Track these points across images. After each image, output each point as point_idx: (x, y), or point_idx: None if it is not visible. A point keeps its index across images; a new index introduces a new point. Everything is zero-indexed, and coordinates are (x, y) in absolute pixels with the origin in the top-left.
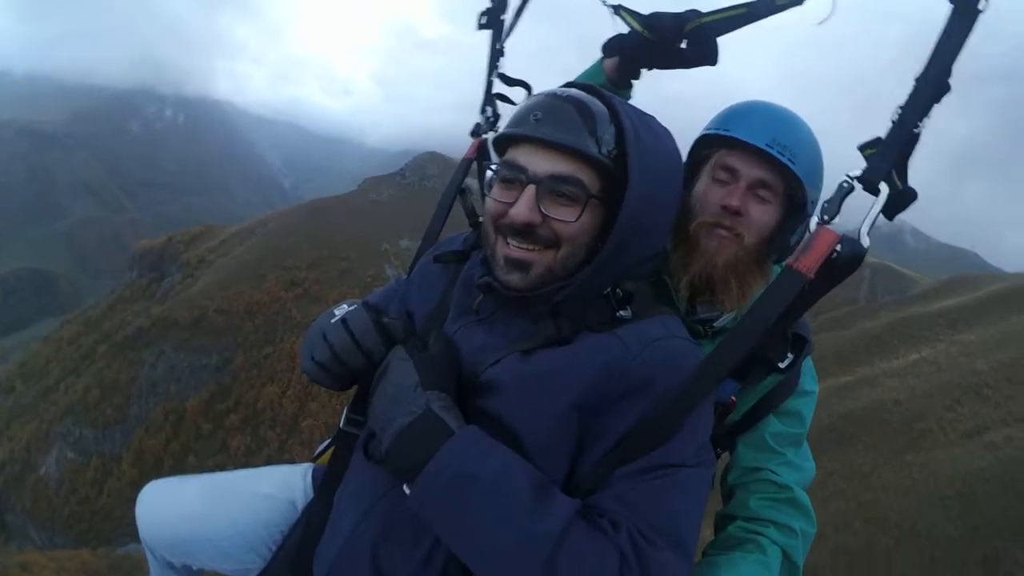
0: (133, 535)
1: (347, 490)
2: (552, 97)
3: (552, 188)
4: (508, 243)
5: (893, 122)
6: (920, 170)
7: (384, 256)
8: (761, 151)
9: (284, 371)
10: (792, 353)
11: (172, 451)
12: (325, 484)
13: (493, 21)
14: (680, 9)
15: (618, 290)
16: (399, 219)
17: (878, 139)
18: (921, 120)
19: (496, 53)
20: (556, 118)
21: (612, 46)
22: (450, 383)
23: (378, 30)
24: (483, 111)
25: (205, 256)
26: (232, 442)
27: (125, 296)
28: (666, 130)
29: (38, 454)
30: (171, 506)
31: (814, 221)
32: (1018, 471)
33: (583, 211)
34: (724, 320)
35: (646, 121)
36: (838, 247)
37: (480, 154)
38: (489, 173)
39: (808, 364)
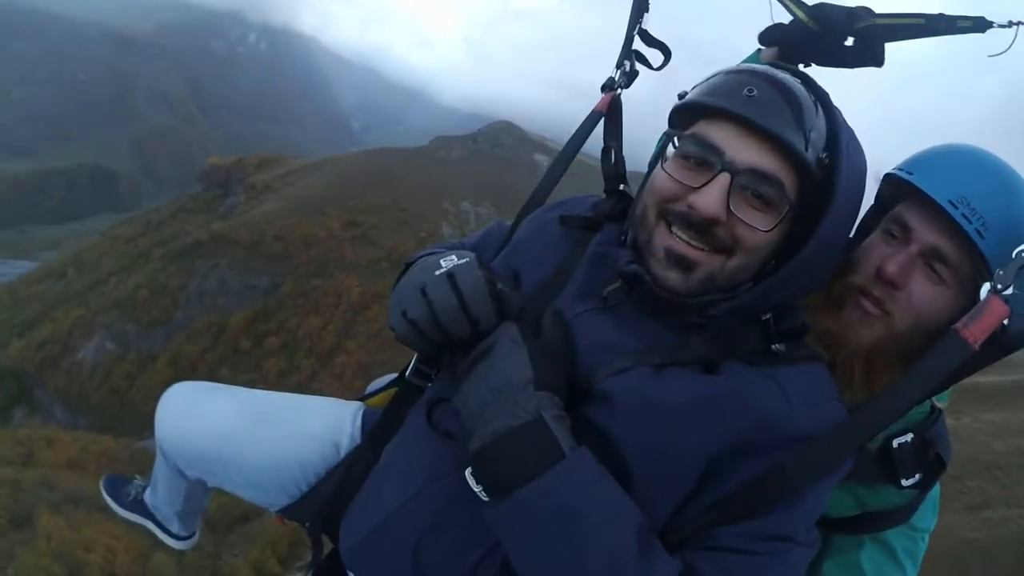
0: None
1: (398, 454)
2: (763, 77)
3: (749, 184)
4: (672, 232)
5: None
6: None
7: (443, 214)
8: (942, 211)
9: (329, 306)
10: (921, 473)
11: (208, 360)
12: (375, 434)
13: None
14: (849, 4)
15: (782, 319)
16: (464, 181)
17: None
18: None
19: (641, 5)
20: (769, 102)
21: (772, 35)
22: (563, 383)
23: None
24: (619, 65)
25: (271, 183)
26: (266, 363)
27: (188, 207)
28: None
29: (79, 339)
30: (202, 418)
31: (985, 288)
32: (1007, 548)
33: (780, 221)
34: None
35: (851, 130)
36: (1006, 321)
37: (612, 110)
38: (666, 142)
39: (934, 494)
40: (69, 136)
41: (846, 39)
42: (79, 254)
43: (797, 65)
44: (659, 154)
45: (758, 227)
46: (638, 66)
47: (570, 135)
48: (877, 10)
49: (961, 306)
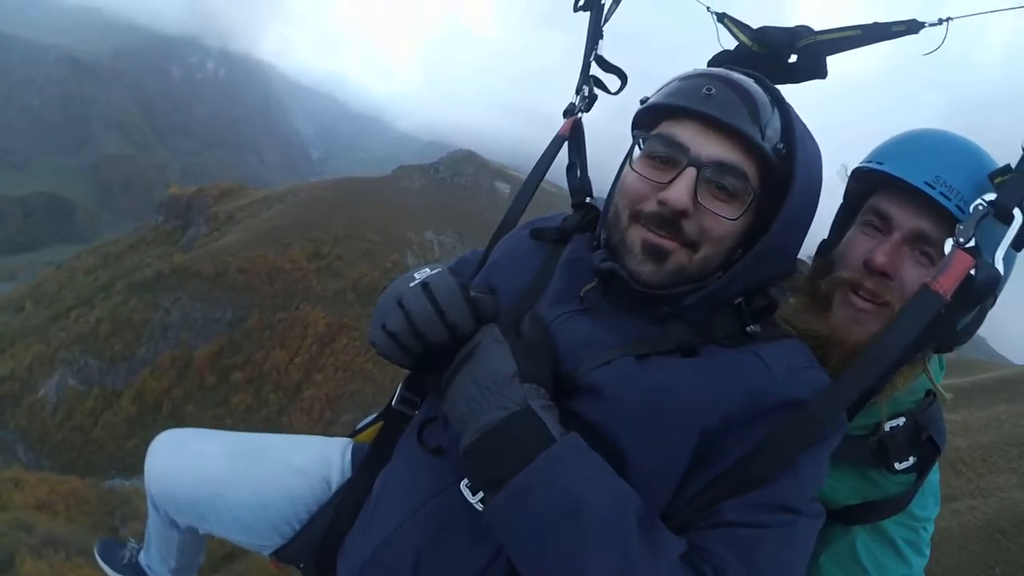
0: (121, 470)
1: (392, 479)
2: (720, 79)
3: (714, 177)
4: (647, 229)
5: (1023, 148)
6: None
7: (407, 244)
8: (920, 192)
9: (295, 338)
10: (914, 456)
11: (174, 396)
12: (366, 464)
13: (592, 2)
14: (783, 24)
15: (752, 301)
16: (427, 210)
17: (1008, 167)
18: None
19: (596, 33)
20: (727, 99)
21: (720, 61)
22: (549, 377)
23: (429, 19)
24: (579, 91)
25: (234, 214)
26: (234, 398)
27: (148, 238)
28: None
29: (40, 376)
30: (189, 461)
31: (949, 243)
32: (974, 534)
33: (746, 210)
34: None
35: (804, 124)
36: (973, 271)
37: (574, 134)
38: (634, 145)
39: (933, 483)
40: (25, 164)
41: (790, 58)
42: (37, 286)
43: None
44: (627, 156)
45: (725, 216)
46: (596, 90)
47: (532, 162)
48: (816, 27)
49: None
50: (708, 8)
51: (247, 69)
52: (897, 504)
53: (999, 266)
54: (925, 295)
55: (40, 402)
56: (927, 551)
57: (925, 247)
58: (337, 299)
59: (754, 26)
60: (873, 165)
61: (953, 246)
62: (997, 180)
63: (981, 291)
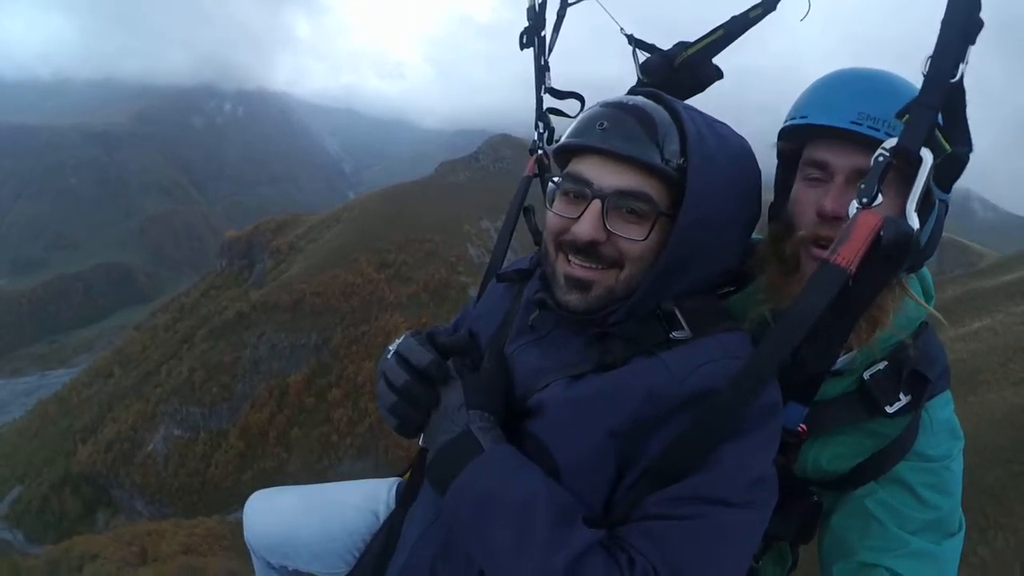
0: (242, 503)
1: (416, 506)
2: (615, 107)
3: (619, 204)
4: (570, 260)
5: (924, 75)
6: (983, 136)
7: (467, 236)
8: (849, 132)
9: (381, 347)
10: (906, 394)
11: (277, 424)
12: (404, 496)
13: (533, 39)
14: (684, 38)
15: (669, 309)
16: (477, 200)
17: (912, 102)
18: (956, 67)
19: (542, 69)
20: (622, 129)
21: (633, 91)
22: (496, 403)
23: (432, 15)
24: (536, 127)
25: (295, 243)
26: (335, 414)
27: (216, 283)
28: (740, 137)
29: (145, 432)
30: (272, 512)
31: (853, 205)
32: None
33: (652, 229)
34: (842, 361)
35: (715, 127)
36: (881, 231)
37: (540, 171)
38: (551, 186)
39: (943, 419)
40: (76, 242)
41: (674, 78)
42: (120, 351)
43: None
44: (527, 189)
45: (635, 238)
46: (560, 118)
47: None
48: (692, 39)
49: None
50: (622, 30)
51: (264, 103)
52: (902, 444)
53: (912, 218)
54: (825, 271)
55: (150, 456)
56: (956, 488)
57: None
58: (412, 303)
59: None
60: (797, 121)
61: (856, 208)
62: (904, 118)
63: (894, 252)
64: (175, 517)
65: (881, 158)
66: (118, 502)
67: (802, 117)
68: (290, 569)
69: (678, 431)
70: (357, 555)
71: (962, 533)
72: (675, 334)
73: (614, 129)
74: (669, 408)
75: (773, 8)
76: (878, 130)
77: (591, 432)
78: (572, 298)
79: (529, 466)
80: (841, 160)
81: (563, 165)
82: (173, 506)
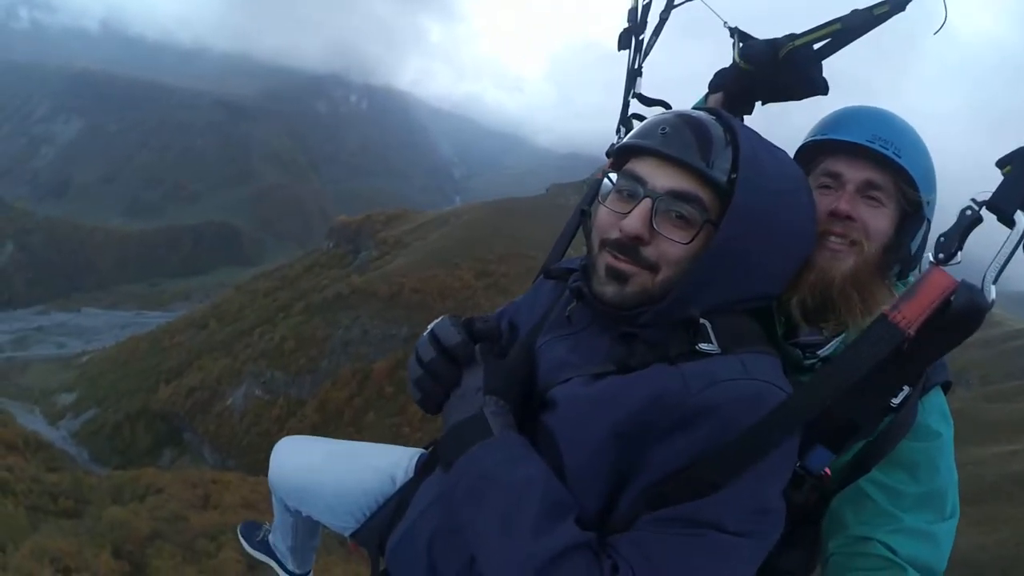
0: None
1: (430, 479)
2: (676, 116)
3: (669, 207)
4: (611, 254)
5: None
6: None
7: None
8: (864, 149)
9: None
10: (909, 387)
11: (355, 405)
12: (421, 470)
13: (629, 41)
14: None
15: (698, 320)
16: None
17: (1020, 151)
18: None
19: (633, 73)
20: (681, 137)
21: (716, 82)
22: (512, 391)
23: (560, 35)
24: (618, 131)
25: (401, 237)
26: (411, 407)
27: (320, 262)
28: (795, 165)
29: (227, 386)
30: (296, 456)
31: (927, 259)
32: None
33: (697, 234)
34: (831, 347)
35: (774, 152)
36: (952, 296)
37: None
38: (606, 183)
39: (935, 402)
40: (194, 197)
41: (777, 70)
42: (218, 306)
43: (746, 108)
44: (598, 190)
45: (679, 240)
46: None
47: None
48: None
49: (898, 218)
50: (725, 23)
51: (388, 100)
52: (904, 424)
53: (989, 291)
54: (882, 326)
55: (228, 409)
56: (947, 468)
57: (874, 192)
58: None
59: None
60: (818, 137)
61: (930, 263)
62: (1005, 170)
63: (961, 324)
64: (239, 471)
65: (969, 212)
66: (187, 444)
67: (823, 134)
68: (303, 514)
69: (684, 451)
70: (368, 515)
71: (955, 520)
72: (702, 346)
73: (674, 135)
74: (673, 420)
75: (901, 9)
76: (887, 148)
77: (595, 431)
78: (608, 289)
79: (533, 457)
80: (854, 172)
81: (618, 165)
82: (238, 460)
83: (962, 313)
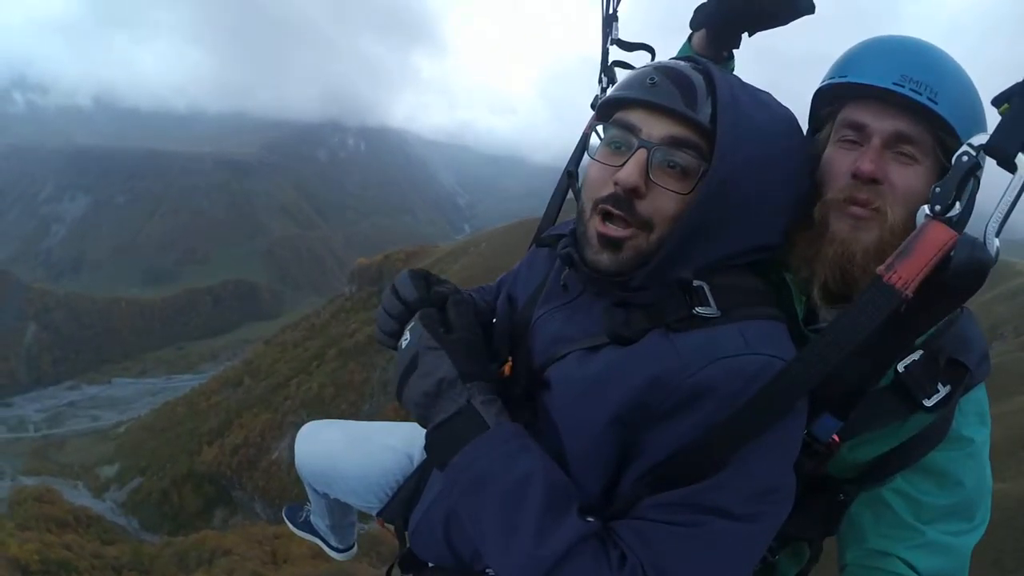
0: (362, 518)
1: None
2: (657, 67)
3: (666, 155)
4: (604, 221)
5: None
6: None
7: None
8: (891, 93)
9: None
10: (945, 385)
11: None
12: None
13: None
14: None
15: (691, 281)
16: None
17: (1017, 87)
18: None
19: (609, 19)
20: (666, 86)
21: (696, 18)
22: (487, 370)
23: (551, 54)
24: (599, 80)
25: None
26: None
27: (345, 307)
28: (786, 109)
29: (271, 440)
30: (317, 443)
31: (923, 212)
32: None
33: (698, 183)
34: None
35: (757, 95)
36: (952, 252)
37: None
38: (594, 138)
39: (974, 400)
40: (206, 258)
41: None
42: (250, 363)
43: (732, 41)
44: (586, 148)
45: (677, 191)
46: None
47: None
48: None
49: (935, 175)
50: None
51: (384, 138)
52: (933, 435)
53: (992, 243)
54: (877, 289)
55: (275, 463)
56: (979, 476)
57: (905, 146)
58: None
59: None
60: (836, 80)
61: (926, 216)
62: (1002, 109)
63: (962, 281)
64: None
65: (966, 158)
66: (237, 503)
67: (841, 76)
68: (331, 497)
69: (685, 432)
70: (390, 494)
71: (983, 528)
72: (699, 310)
73: (662, 85)
74: (672, 402)
75: None
76: (920, 93)
77: (594, 417)
78: (603, 258)
79: (530, 448)
80: (880, 122)
81: (604, 120)
82: None
83: (963, 270)
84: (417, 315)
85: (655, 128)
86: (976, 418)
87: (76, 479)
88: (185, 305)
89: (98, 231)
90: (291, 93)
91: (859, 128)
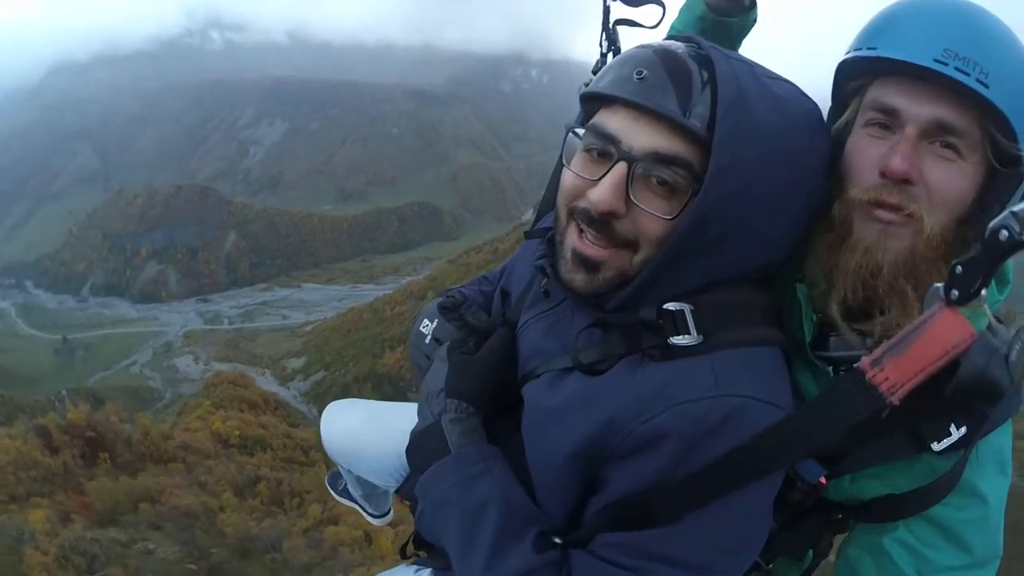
0: None
1: None
2: (653, 53)
3: (649, 171)
4: (581, 233)
5: None
6: None
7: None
8: (931, 72)
9: None
10: (959, 426)
11: None
12: None
13: None
14: None
15: (677, 306)
16: None
17: None
18: None
19: None
20: (658, 80)
21: None
22: (481, 390)
23: None
24: (599, 45)
25: None
26: None
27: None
28: (806, 100)
29: None
30: (338, 423)
31: (935, 291)
32: None
33: (684, 207)
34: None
35: (769, 85)
36: (961, 357)
37: None
38: (571, 138)
39: (995, 446)
40: (394, 181)
41: None
42: (434, 278)
43: None
44: (569, 152)
45: (661, 215)
46: (634, 29)
47: None
48: None
49: (983, 176)
50: None
51: (567, 71)
52: (943, 487)
53: (1018, 358)
54: (854, 384)
55: None
56: (991, 535)
57: (947, 137)
58: None
59: None
60: (864, 52)
61: (938, 301)
62: None
63: (963, 399)
64: None
65: (1005, 233)
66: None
67: (870, 48)
68: (354, 474)
69: (641, 477)
70: (404, 475)
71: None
72: (675, 340)
73: (653, 79)
74: (627, 447)
75: None
76: (968, 74)
77: (557, 450)
78: (577, 278)
79: (490, 472)
80: (917, 108)
81: (589, 114)
82: None
83: (969, 387)
84: (446, 345)
85: (639, 138)
86: (995, 467)
87: (264, 368)
88: (372, 223)
89: (294, 154)
90: (478, 26)
91: (891, 112)
